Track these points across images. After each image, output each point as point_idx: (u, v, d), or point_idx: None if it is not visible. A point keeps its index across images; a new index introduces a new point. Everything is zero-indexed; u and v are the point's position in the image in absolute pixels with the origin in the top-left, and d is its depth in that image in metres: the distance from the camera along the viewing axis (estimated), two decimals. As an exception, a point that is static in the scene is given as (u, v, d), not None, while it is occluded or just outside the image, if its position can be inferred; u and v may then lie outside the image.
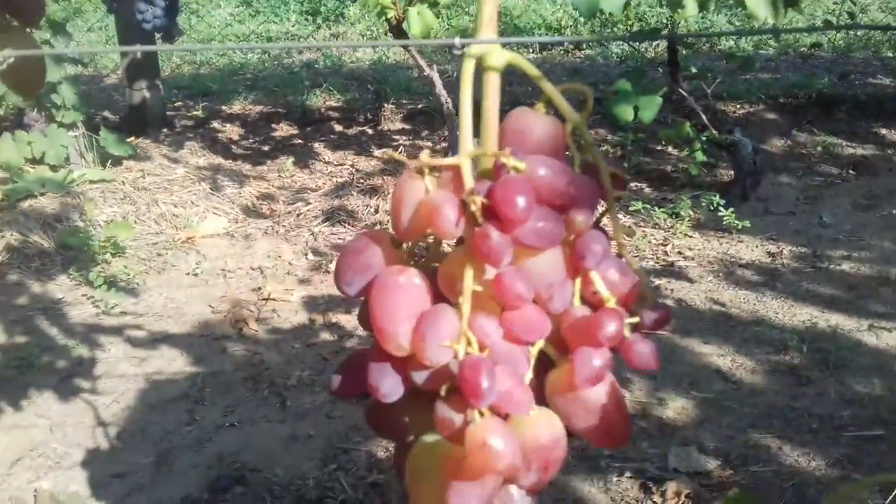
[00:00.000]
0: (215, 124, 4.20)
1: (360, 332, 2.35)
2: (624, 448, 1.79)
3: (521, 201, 0.46)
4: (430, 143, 3.92)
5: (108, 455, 1.82)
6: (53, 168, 3.11)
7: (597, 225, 0.54)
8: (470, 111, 0.54)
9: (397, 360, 0.51)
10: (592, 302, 0.52)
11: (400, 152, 3.78)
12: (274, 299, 2.56)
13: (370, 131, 4.19)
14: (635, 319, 0.52)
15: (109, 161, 3.36)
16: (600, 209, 0.54)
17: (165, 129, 3.98)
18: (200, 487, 1.70)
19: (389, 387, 0.51)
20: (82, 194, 3.03)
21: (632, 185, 3.40)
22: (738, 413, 1.91)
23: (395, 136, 4.11)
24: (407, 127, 4.23)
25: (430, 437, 0.52)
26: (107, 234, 2.81)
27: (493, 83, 0.54)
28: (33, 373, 2.12)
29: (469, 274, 0.48)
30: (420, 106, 4.40)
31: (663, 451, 1.78)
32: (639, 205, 3.08)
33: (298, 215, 3.21)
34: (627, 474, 1.71)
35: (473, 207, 0.47)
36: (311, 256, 2.88)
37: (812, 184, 3.42)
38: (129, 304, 2.51)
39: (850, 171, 3.49)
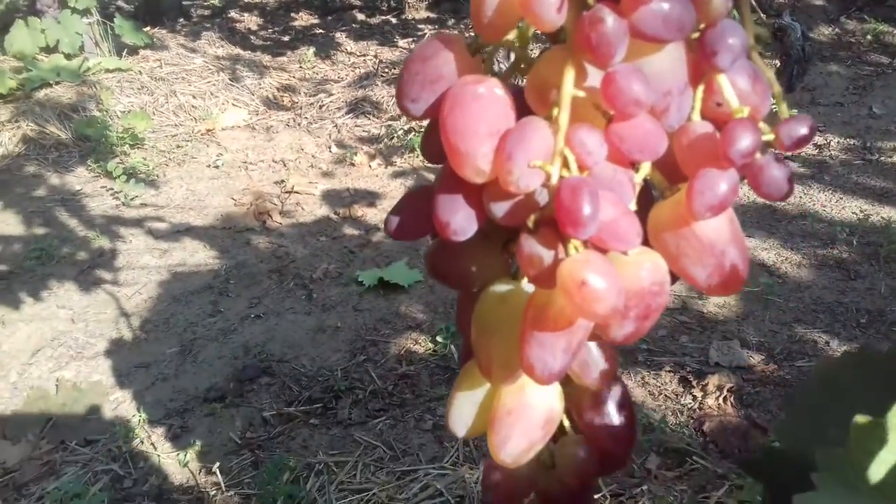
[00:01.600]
0: (233, 13, 4.03)
1: (387, 224, 2.26)
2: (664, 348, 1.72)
3: None
4: (456, 32, 3.73)
5: (131, 346, 1.78)
6: (68, 56, 2.99)
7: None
8: None
9: (472, 189, 0.41)
10: (714, 116, 0.41)
11: (426, 41, 3.60)
12: (297, 192, 2.47)
13: (394, 20, 4.00)
14: (770, 136, 0.41)
15: (125, 50, 3.23)
16: None
17: (182, 19, 3.82)
18: (226, 378, 1.66)
19: (462, 221, 0.41)
20: (98, 83, 2.92)
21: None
22: (783, 307, 1.81)
23: (420, 26, 3.92)
24: (432, 15, 4.03)
25: (502, 286, 0.42)
26: (124, 124, 2.72)
27: None
28: (53, 264, 2.07)
29: (570, 74, 0.37)
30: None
31: (704, 345, 1.70)
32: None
33: (321, 107, 3.09)
34: (667, 368, 1.64)
35: None
36: (334, 149, 2.77)
37: (861, 73, 3.22)
38: (149, 196, 2.44)
39: (903, 61, 3.28)
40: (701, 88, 0.39)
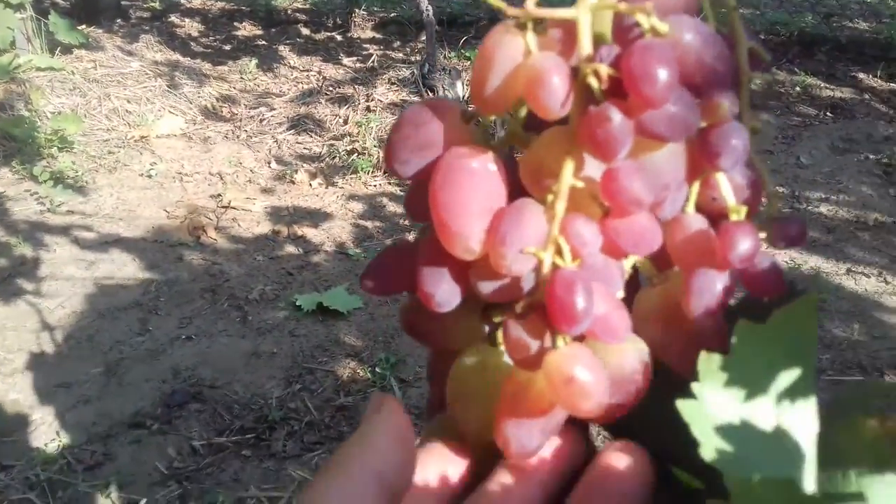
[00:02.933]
0: (173, 18, 3.93)
1: (328, 247, 2.22)
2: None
3: (663, 76, 0.34)
4: (402, 54, 3.73)
5: (53, 363, 1.69)
6: (-4, 51, 2.85)
7: None
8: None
9: (457, 263, 0.39)
10: (708, 209, 0.40)
11: (371, 61, 3.58)
12: (234, 207, 2.41)
13: (339, 37, 3.97)
14: (762, 234, 0.41)
15: (59, 49, 3.10)
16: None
17: (119, 20, 3.70)
18: (154, 402, 1.59)
19: (446, 294, 0.40)
20: (28, 82, 2.79)
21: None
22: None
23: (365, 45, 3.90)
24: (378, 36, 4.02)
25: (481, 353, 0.41)
26: (54, 126, 2.60)
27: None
28: (-30, 271, 1.96)
29: (570, 165, 0.36)
30: (392, 14, 4.18)
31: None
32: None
33: (261, 121, 3.02)
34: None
35: (593, 79, 0.34)
36: (274, 165, 2.71)
37: (790, 123, 3.36)
38: (76, 203, 2.33)
39: (828, 114, 3.43)
40: (697, 182, 0.39)
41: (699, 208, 0.40)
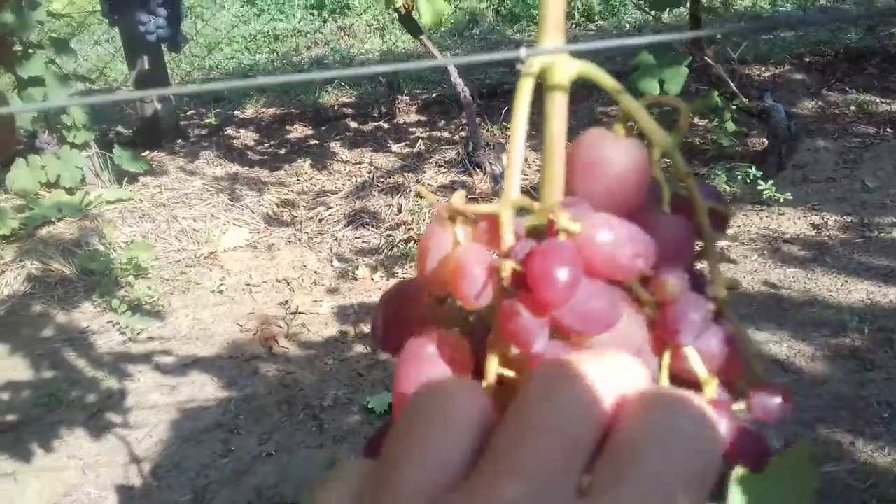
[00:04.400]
0: (229, 130, 4.12)
1: (394, 341, 2.26)
2: None
3: (561, 277, 0.35)
4: (447, 134, 3.81)
5: (144, 495, 1.75)
6: (69, 191, 3.05)
7: (691, 273, 0.43)
8: (522, 143, 0.43)
9: None
10: (684, 380, 0.41)
11: (418, 146, 3.68)
12: (302, 312, 2.48)
13: (386, 125, 4.09)
14: (741, 406, 0.41)
15: (125, 178, 3.29)
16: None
17: (180, 140, 3.91)
18: (242, 525, 1.62)
19: None
20: (100, 216, 2.97)
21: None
22: (803, 406, 1.79)
23: (411, 129, 4.00)
24: (423, 118, 4.12)
25: None
26: (128, 255, 2.74)
27: (560, 103, 0.43)
28: (62, 410, 2.06)
29: (495, 361, 0.38)
30: (434, 95, 4.29)
31: (726, 452, 1.67)
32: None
33: (320, 220, 3.12)
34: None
35: (503, 274, 0.36)
36: (336, 263, 2.79)
37: (849, 146, 3.27)
38: (155, 329, 2.44)
39: (888, 129, 3.33)
40: (667, 354, 0.39)
41: (674, 380, 0.41)
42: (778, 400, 0.41)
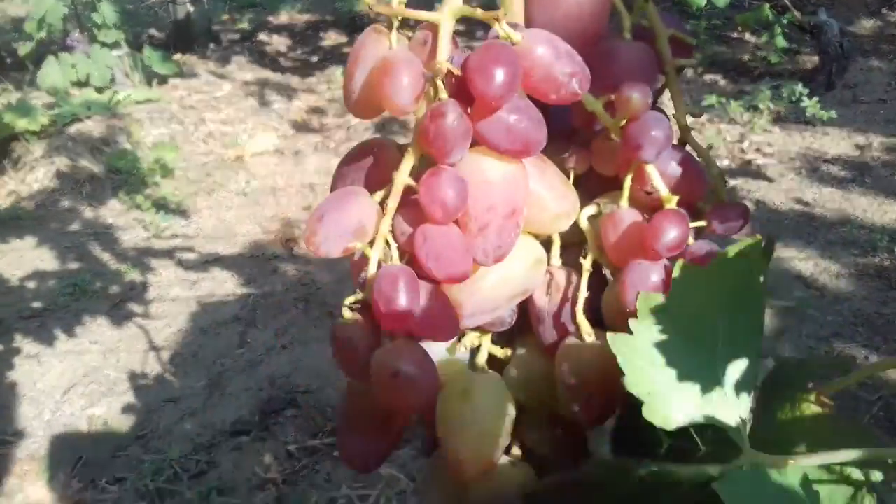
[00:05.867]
0: (262, 36, 4.07)
1: (414, 246, 2.25)
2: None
3: (499, 74, 0.33)
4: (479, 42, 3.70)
5: (161, 380, 1.79)
6: (99, 90, 3.05)
7: (654, 105, 0.40)
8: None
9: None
10: (646, 203, 0.39)
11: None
12: (325, 216, 2.47)
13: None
14: (701, 223, 0.39)
15: (155, 80, 3.28)
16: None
17: (211, 44, 3.87)
18: (252, 410, 1.66)
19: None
20: (128, 115, 2.97)
21: (705, 77, 3.16)
22: (821, 322, 1.75)
23: (447, 40, 3.90)
24: (462, 28, 4.01)
25: (460, 381, 0.44)
26: (155, 155, 2.75)
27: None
28: (86, 299, 2.10)
29: (408, 163, 0.36)
30: (476, 5, 4.16)
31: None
32: (713, 98, 2.85)
33: (349, 128, 3.09)
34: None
35: (439, 79, 0.34)
36: (362, 170, 2.76)
37: (905, 67, 3.12)
38: (179, 227, 2.46)
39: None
40: (629, 176, 0.37)
41: (635, 203, 0.38)
42: (736, 215, 0.38)
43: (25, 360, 1.89)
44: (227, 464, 1.53)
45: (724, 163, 2.54)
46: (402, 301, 0.34)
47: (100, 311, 2.05)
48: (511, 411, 0.42)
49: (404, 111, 0.33)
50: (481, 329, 0.43)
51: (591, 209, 0.40)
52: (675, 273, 0.34)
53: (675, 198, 0.36)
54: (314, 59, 3.86)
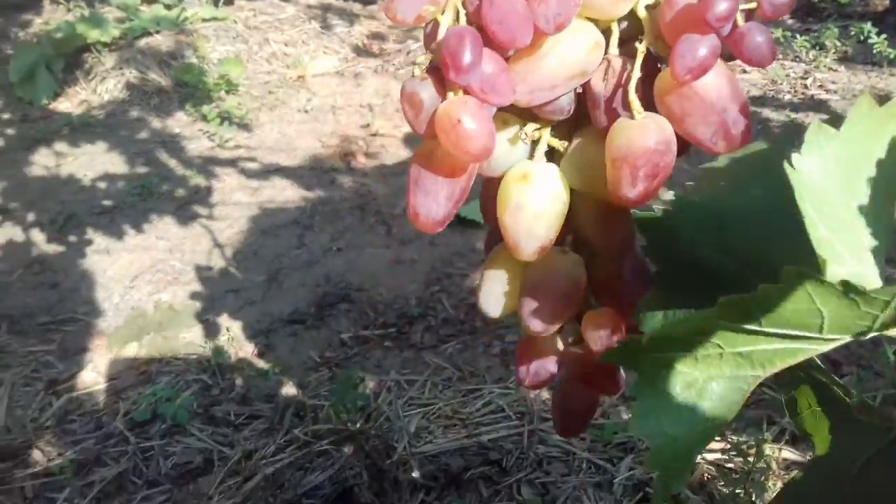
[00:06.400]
0: (326, -36, 4.09)
1: (468, 165, 2.29)
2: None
3: None
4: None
5: (223, 273, 1.88)
6: (167, 6, 3.12)
7: None
8: None
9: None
10: None
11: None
12: (382, 135, 2.52)
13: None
14: (752, 5, 0.42)
15: (221, 0, 3.34)
16: None
17: (276, -30, 3.90)
18: (308, 303, 1.74)
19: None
20: (195, 32, 3.04)
21: (769, 14, 3.09)
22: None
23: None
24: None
25: (522, 166, 0.47)
26: (220, 71, 2.83)
27: None
28: (154, 200, 2.20)
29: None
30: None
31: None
32: (778, 33, 2.80)
33: (408, 53, 3.12)
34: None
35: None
36: (420, 94, 2.80)
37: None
38: (242, 139, 2.54)
39: None
40: None
41: None
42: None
43: (96, 251, 2.00)
44: (284, 348, 1.62)
45: (786, 97, 2.51)
46: (467, 56, 0.38)
47: (166, 210, 2.15)
48: (565, 196, 0.46)
49: (403, 23, 0.38)
50: (541, 120, 0.48)
51: None
52: (852, 110, 0.36)
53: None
54: (376, -13, 3.87)
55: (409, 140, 2.48)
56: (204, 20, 3.09)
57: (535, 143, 0.49)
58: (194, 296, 1.81)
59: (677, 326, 0.36)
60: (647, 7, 0.44)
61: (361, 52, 3.18)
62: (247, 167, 2.38)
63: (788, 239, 0.39)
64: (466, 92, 0.40)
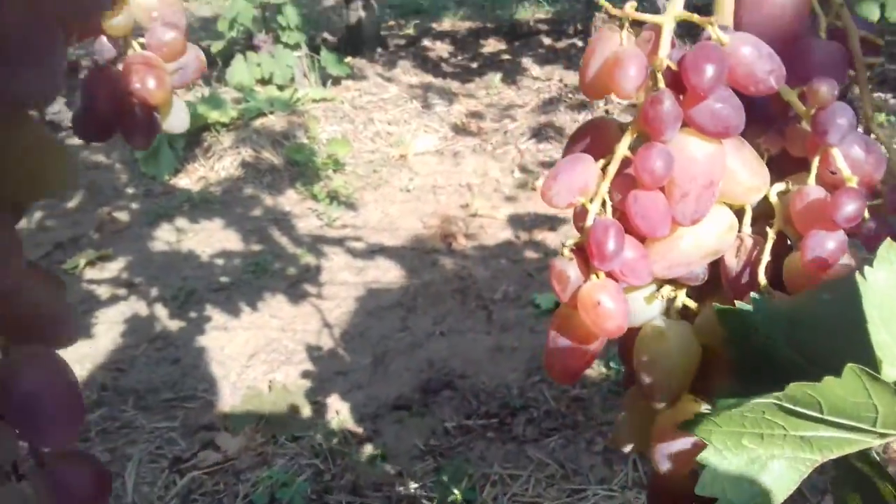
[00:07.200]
0: (426, 42, 4.27)
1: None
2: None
3: (709, 70, 0.42)
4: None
5: (332, 354, 1.98)
6: (280, 87, 3.33)
7: (842, 97, 0.49)
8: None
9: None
10: (830, 182, 0.47)
11: (610, 66, 3.65)
12: (481, 215, 2.61)
13: (580, 43, 4.07)
14: (878, 202, 0.47)
15: (329, 80, 3.54)
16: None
17: (379, 48, 4.11)
18: (413, 388, 1.81)
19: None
20: (306, 112, 3.23)
21: (875, 94, 3.06)
22: None
23: (605, 49, 3.96)
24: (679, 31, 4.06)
25: (659, 323, 0.52)
26: (328, 151, 2.99)
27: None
28: (267, 277, 2.33)
29: (627, 138, 0.46)
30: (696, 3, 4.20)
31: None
32: (881, 117, 2.77)
33: (505, 133, 3.22)
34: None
35: (657, 69, 0.43)
36: (517, 174, 2.89)
37: None
38: (348, 217, 2.67)
39: None
40: (817, 158, 0.45)
41: (821, 182, 0.47)
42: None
43: (214, 328, 2.13)
44: (390, 434, 1.69)
45: (890, 184, 2.47)
46: (611, 246, 0.44)
47: (278, 288, 2.28)
48: (697, 353, 0.51)
49: (629, 96, 0.44)
50: (677, 283, 0.53)
51: (780, 186, 0.49)
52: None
53: (856, 178, 0.45)
54: (474, 65, 4.01)
55: (508, 221, 2.56)
56: (314, 101, 3.28)
57: (670, 300, 0.54)
58: (305, 376, 1.91)
59: (748, 407, 0.41)
60: (779, 194, 0.50)
61: (460, 130, 3.31)
62: (353, 246, 2.50)
63: (852, 340, 0.44)
64: (608, 273, 0.47)
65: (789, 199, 0.48)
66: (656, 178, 0.43)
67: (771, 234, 0.48)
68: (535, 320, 2.00)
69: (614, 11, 0.48)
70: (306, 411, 1.79)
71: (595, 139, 0.51)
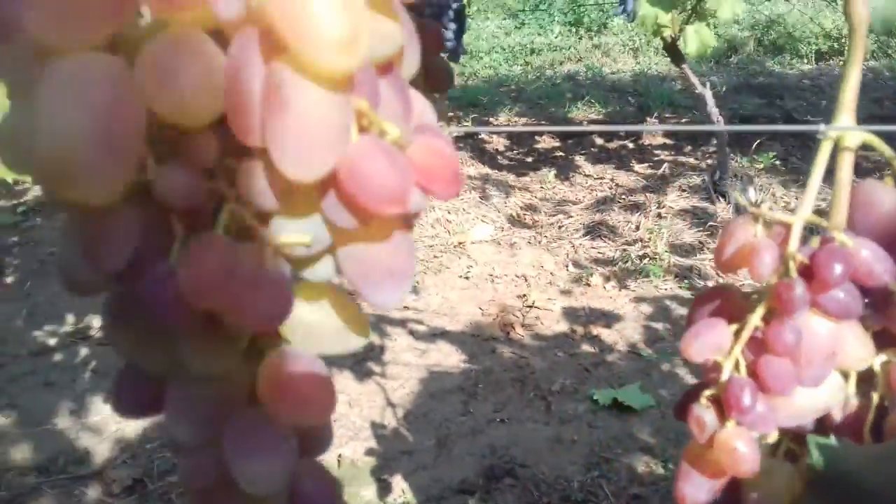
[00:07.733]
0: (483, 135, 4.47)
1: (620, 346, 2.44)
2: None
3: (838, 268, 0.54)
4: (693, 160, 3.90)
5: (396, 433, 2.07)
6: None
7: None
8: (818, 182, 0.62)
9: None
10: None
11: (662, 169, 3.80)
12: (537, 307, 2.72)
13: (631, 145, 4.24)
14: None
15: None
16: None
17: (439, 139, 4.31)
18: (476, 474, 1.89)
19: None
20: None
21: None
22: None
23: (656, 151, 4.13)
24: (669, 141, 4.23)
25: (766, 463, 0.61)
26: (391, 234, 3.14)
27: (847, 160, 0.62)
28: (335, 355, 2.45)
29: (759, 312, 0.57)
30: (684, 120, 4.38)
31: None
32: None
33: (560, 227, 3.36)
34: None
35: (791, 262, 0.55)
36: (571, 268, 3.01)
37: None
38: (410, 301, 2.80)
39: None
40: None
41: None
42: None
43: (284, 399, 2.24)
44: (454, 516, 1.77)
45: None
46: (747, 401, 0.55)
47: (345, 365, 2.39)
48: (798, 490, 0.62)
49: (762, 280, 0.56)
50: (784, 430, 0.64)
51: (883, 357, 0.60)
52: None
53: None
54: (529, 159, 4.19)
55: (563, 314, 2.66)
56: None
57: (776, 443, 0.65)
58: (371, 453, 2.00)
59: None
60: (882, 364, 0.61)
61: (515, 222, 3.45)
62: (415, 329, 2.62)
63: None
64: (739, 421, 0.58)
65: (889, 368, 0.59)
66: (788, 348, 0.55)
67: (875, 397, 0.59)
68: (593, 415, 2.09)
69: (753, 210, 0.60)
70: (373, 490, 1.87)
71: (723, 303, 0.63)
